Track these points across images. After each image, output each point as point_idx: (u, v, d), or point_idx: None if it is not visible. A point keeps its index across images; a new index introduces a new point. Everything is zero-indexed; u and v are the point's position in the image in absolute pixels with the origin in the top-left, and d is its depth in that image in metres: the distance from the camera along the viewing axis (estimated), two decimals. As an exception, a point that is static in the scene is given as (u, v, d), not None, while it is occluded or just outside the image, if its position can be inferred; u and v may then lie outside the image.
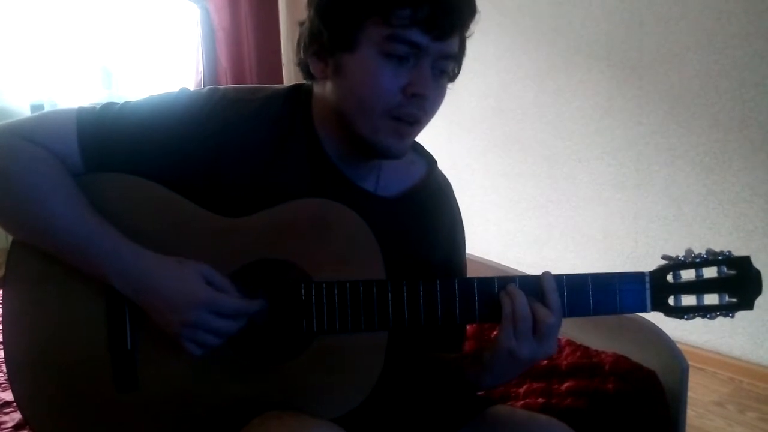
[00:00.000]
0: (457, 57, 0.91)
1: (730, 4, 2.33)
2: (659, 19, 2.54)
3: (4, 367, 1.41)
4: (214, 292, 0.86)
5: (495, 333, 1.56)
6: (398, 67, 0.85)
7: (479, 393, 1.10)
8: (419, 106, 0.87)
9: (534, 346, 0.87)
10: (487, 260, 1.84)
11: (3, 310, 0.93)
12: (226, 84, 3.52)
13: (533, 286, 0.89)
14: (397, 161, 0.98)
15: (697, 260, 0.90)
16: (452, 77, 0.93)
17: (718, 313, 0.91)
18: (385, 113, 0.87)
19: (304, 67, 0.95)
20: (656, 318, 1.18)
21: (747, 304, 0.90)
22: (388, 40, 0.84)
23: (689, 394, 1.40)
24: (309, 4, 0.91)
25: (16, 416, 1.28)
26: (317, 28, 0.89)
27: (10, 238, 0.93)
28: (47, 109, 2.41)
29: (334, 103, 0.91)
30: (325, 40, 0.88)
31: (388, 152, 0.90)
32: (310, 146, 0.95)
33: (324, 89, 0.93)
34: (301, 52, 0.93)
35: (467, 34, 0.92)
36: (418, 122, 0.89)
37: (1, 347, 1.22)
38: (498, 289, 0.89)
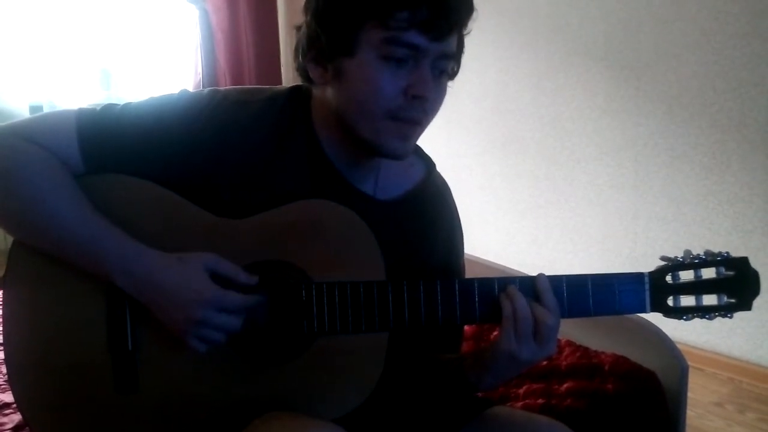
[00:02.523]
0: (456, 55, 0.91)
1: (728, 5, 2.33)
2: (657, 20, 2.54)
3: (3, 369, 1.41)
4: (219, 289, 0.87)
5: (495, 333, 1.55)
6: (397, 70, 0.85)
7: (479, 394, 1.10)
8: (420, 107, 0.87)
9: (534, 348, 0.87)
10: (486, 261, 1.84)
11: (3, 311, 0.93)
12: (225, 85, 3.53)
13: (531, 287, 0.89)
14: (397, 164, 0.98)
15: (696, 261, 0.91)
16: (452, 75, 0.93)
17: (716, 314, 0.91)
18: (386, 116, 0.87)
19: (303, 72, 0.94)
20: (656, 318, 1.17)
21: (745, 304, 0.91)
22: (386, 43, 0.84)
23: (689, 394, 1.40)
24: (306, 8, 0.90)
25: (16, 417, 1.28)
26: (315, 33, 0.88)
27: (11, 239, 0.93)
28: (46, 110, 2.41)
29: (335, 107, 0.90)
30: (323, 45, 0.88)
31: (391, 154, 0.90)
32: (310, 148, 0.95)
33: (324, 93, 0.92)
34: (300, 57, 0.93)
35: (465, 32, 0.92)
36: (419, 123, 0.89)
37: (1, 348, 1.22)
38: (498, 290, 0.89)
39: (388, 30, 0.83)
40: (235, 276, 0.89)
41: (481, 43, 3.08)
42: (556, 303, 0.88)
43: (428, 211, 1.03)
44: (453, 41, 0.87)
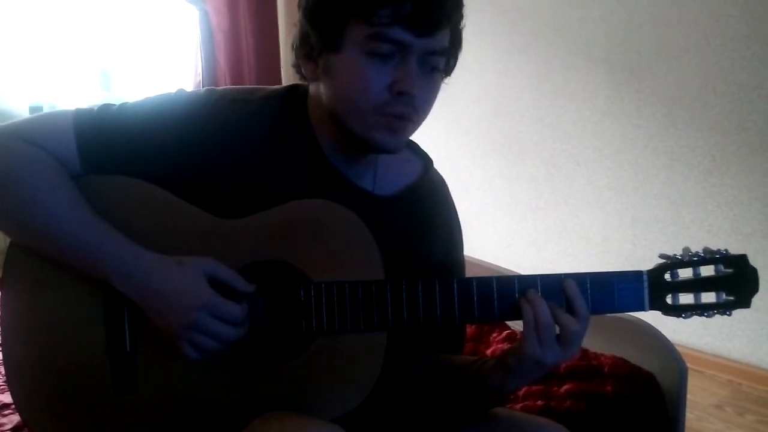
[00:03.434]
0: (448, 51, 0.90)
1: (728, 7, 2.33)
2: (658, 22, 2.54)
3: (2, 369, 1.41)
4: (216, 295, 0.86)
5: (496, 335, 1.54)
6: (382, 66, 0.85)
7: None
8: (407, 103, 0.87)
9: (559, 351, 0.86)
10: (485, 262, 1.84)
11: (1, 312, 0.92)
12: (225, 86, 3.52)
13: (553, 288, 0.89)
14: (394, 160, 0.99)
15: (695, 259, 0.90)
16: (447, 71, 0.93)
17: (715, 312, 0.91)
18: (373, 111, 0.86)
19: (298, 69, 0.95)
20: (655, 320, 1.17)
21: (744, 302, 0.91)
22: (371, 40, 0.84)
23: (688, 396, 1.40)
24: (299, 5, 0.91)
25: (15, 418, 1.27)
26: (305, 30, 0.90)
27: (8, 239, 0.93)
28: (46, 111, 2.41)
29: (326, 103, 0.91)
30: (313, 42, 0.89)
31: (382, 148, 0.90)
32: (308, 146, 0.96)
33: (318, 90, 0.93)
34: (294, 53, 0.94)
35: (460, 26, 0.91)
36: (409, 119, 0.89)
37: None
38: (497, 290, 0.89)
39: (372, 26, 0.83)
40: (234, 282, 0.88)
41: (481, 45, 3.09)
42: (586, 308, 0.88)
43: (427, 207, 1.04)
44: (442, 37, 0.87)
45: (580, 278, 0.89)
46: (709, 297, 0.91)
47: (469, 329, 1.66)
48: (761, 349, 2.40)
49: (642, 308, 0.91)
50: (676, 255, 0.91)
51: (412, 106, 0.87)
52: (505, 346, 1.60)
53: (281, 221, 0.91)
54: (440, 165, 1.10)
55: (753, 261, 0.92)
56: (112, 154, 0.91)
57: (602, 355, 1.50)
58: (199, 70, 3.63)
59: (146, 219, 0.92)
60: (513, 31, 3.05)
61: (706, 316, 0.91)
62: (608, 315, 0.93)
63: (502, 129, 3.18)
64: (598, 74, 2.77)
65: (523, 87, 3.06)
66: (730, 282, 0.90)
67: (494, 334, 1.67)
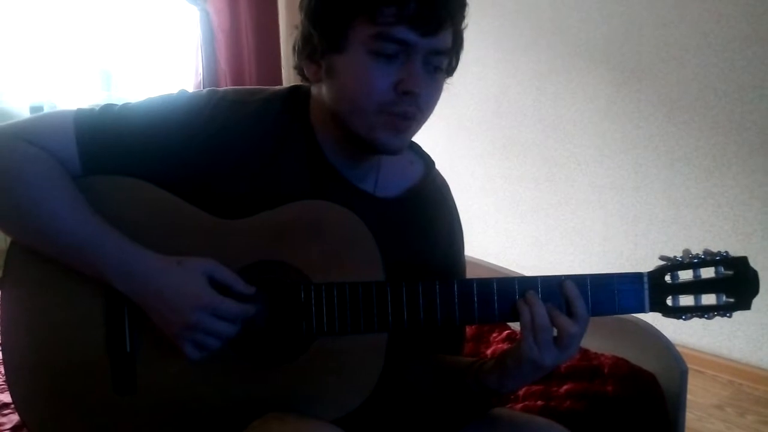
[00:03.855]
0: (451, 51, 0.90)
1: (729, 8, 2.33)
2: (658, 22, 2.54)
3: (2, 369, 1.41)
4: (216, 295, 0.86)
5: (495, 335, 1.54)
6: (388, 65, 0.85)
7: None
8: (412, 103, 0.87)
9: (556, 354, 0.86)
10: (486, 262, 1.84)
11: (1, 312, 0.92)
12: (226, 86, 3.52)
13: (553, 289, 0.88)
14: (397, 162, 0.99)
15: (695, 261, 0.90)
16: (449, 71, 0.93)
17: (715, 313, 0.91)
18: (377, 111, 0.86)
19: (300, 71, 0.95)
20: (655, 320, 1.17)
21: (744, 304, 0.90)
22: (375, 39, 0.84)
23: (689, 397, 1.40)
24: (300, 7, 0.91)
25: (15, 418, 1.27)
26: (308, 32, 0.89)
27: (9, 239, 0.93)
28: (46, 111, 2.41)
29: (329, 104, 0.91)
30: (316, 43, 0.88)
31: (385, 148, 0.90)
32: (309, 147, 0.96)
33: (320, 91, 0.93)
34: (296, 55, 0.94)
35: (462, 26, 0.91)
36: (413, 118, 0.89)
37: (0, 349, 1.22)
38: (497, 291, 0.89)
39: (377, 26, 0.83)
40: (234, 284, 0.88)
41: (482, 46, 3.09)
42: (585, 310, 0.87)
43: (428, 209, 1.04)
44: (445, 37, 0.87)
45: (580, 280, 0.89)
46: (709, 299, 0.91)
47: (470, 329, 1.66)
48: (762, 350, 2.40)
49: (642, 310, 0.91)
50: (676, 257, 0.91)
51: (417, 106, 0.87)
52: (505, 346, 1.60)
53: (282, 222, 0.91)
54: (442, 165, 1.10)
55: (753, 261, 0.92)
56: (112, 155, 0.91)
57: (602, 355, 1.50)
58: (200, 71, 3.63)
59: (146, 219, 0.92)
60: (514, 32, 3.05)
61: (707, 318, 0.91)
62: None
63: (504, 129, 3.18)
64: (598, 75, 2.77)
65: (525, 87, 3.06)
66: (731, 284, 0.90)
67: (494, 334, 1.67)
